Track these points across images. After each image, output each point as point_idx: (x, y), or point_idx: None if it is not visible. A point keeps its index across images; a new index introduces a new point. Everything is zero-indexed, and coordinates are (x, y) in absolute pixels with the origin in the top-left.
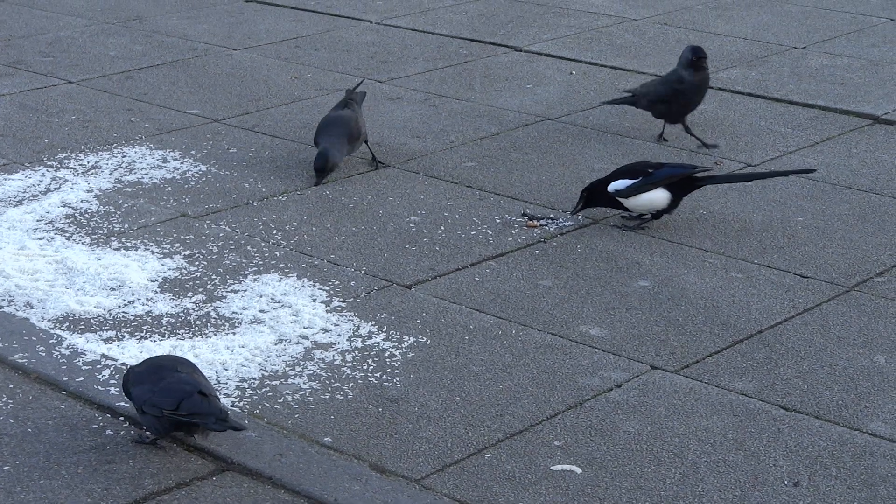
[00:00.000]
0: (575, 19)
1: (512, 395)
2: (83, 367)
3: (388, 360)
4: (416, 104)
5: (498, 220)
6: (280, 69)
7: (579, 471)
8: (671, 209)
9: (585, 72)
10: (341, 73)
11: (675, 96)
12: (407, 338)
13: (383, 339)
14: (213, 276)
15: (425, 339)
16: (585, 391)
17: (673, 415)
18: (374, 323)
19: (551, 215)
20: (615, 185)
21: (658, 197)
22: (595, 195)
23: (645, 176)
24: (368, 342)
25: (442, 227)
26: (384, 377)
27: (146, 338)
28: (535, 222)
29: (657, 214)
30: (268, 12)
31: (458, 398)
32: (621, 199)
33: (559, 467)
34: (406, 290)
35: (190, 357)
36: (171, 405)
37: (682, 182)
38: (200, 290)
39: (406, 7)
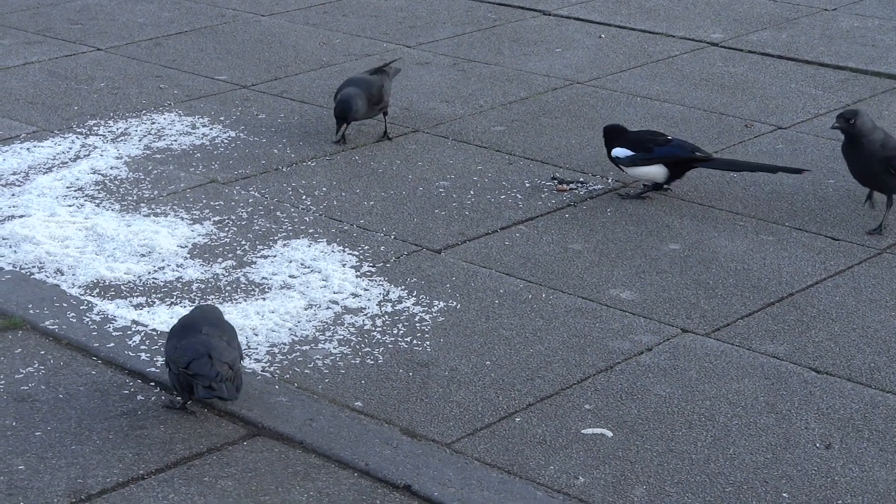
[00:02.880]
0: None
1: (542, 359)
2: (114, 334)
3: (417, 324)
4: (445, 69)
5: (527, 185)
6: (308, 35)
7: (610, 434)
8: (668, 183)
9: (614, 35)
10: (370, 39)
11: None
12: (437, 302)
13: (413, 304)
14: (243, 242)
15: (455, 303)
16: (616, 354)
17: (704, 378)
18: (403, 287)
19: (581, 179)
20: (617, 153)
21: (655, 172)
22: (605, 144)
23: (646, 151)
24: (398, 307)
25: (471, 192)
26: (414, 342)
27: (176, 304)
28: (565, 186)
29: (655, 186)
30: None
31: (488, 362)
32: (621, 167)
33: (590, 431)
34: (436, 255)
35: None
36: (183, 363)
37: (681, 161)
38: (230, 255)
39: None
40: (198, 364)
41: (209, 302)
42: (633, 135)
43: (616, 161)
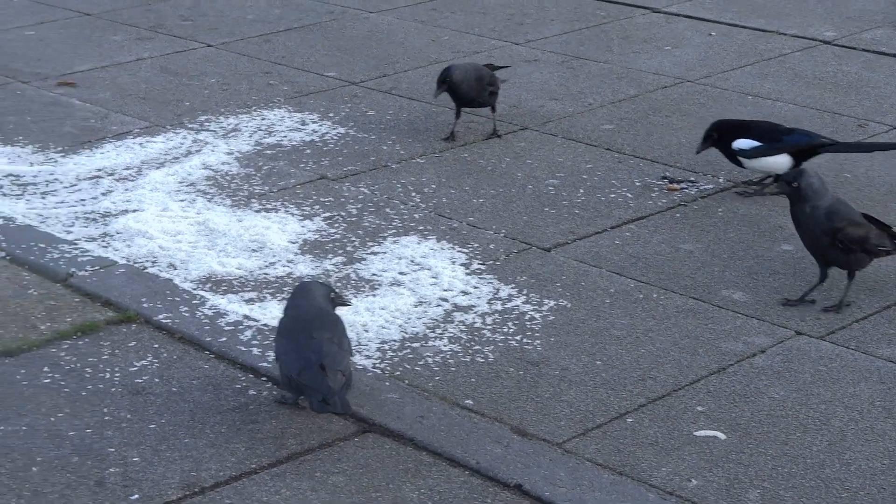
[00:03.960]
0: None
1: (654, 360)
2: (226, 328)
3: (528, 322)
4: (554, 66)
5: (638, 183)
6: (416, 32)
7: (723, 437)
8: None
9: (725, 33)
10: (478, 36)
11: None
12: (547, 301)
13: (523, 302)
14: (353, 238)
15: (565, 302)
16: (728, 356)
17: (818, 381)
18: (513, 286)
19: (692, 178)
20: (739, 144)
21: (780, 162)
22: (721, 138)
23: (773, 141)
24: (508, 305)
25: (581, 190)
26: (524, 340)
27: (287, 299)
28: (676, 185)
29: (775, 178)
30: None
31: (599, 362)
32: (742, 159)
33: (702, 433)
34: (545, 253)
35: None
36: (294, 371)
37: (805, 149)
38: (340, 251)
39: None
40: (309, 375)
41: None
42: (754, 125)
43: (738, 153)
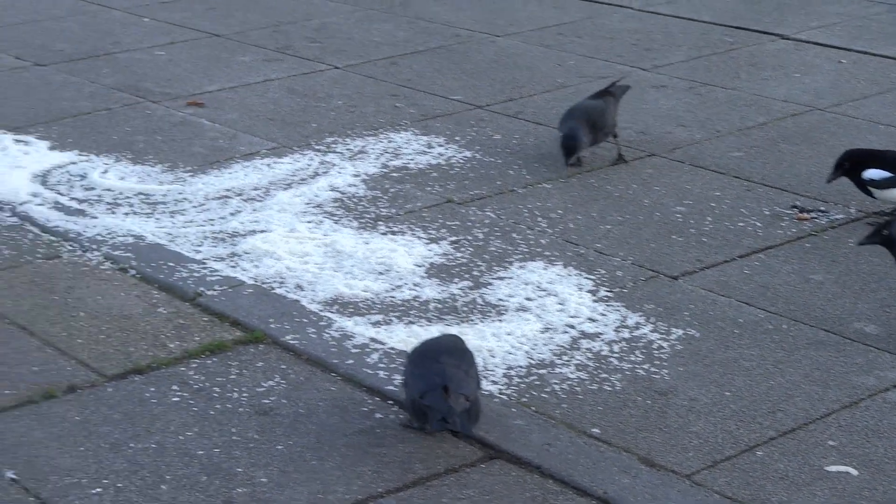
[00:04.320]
0: (844, 6)
1: (784, 392)
2: (352, 350)
3: (655, 351)
4: (681, 92)
5: (767, 212)
6: (543, 56)
7: (855, 472)
8: None
9: (855, 60)
10: (604, 61)
11: None
12: (675, 330)
13: (651, 331)
14: (479, 263)
15: (693, 331)
16: (860, 390)
17: None
18: (641, 314)
19: (822, 208)
20: (870, 174)
21: None
22: (852, 168)
23: None
24: (636, 333)
25: (709, 218)
26: (652, 369)
27: (413, 322)
28: (806, 215)
29: None
30: None
31: (727, 393)
32: (873, 189)
33: (834, 468)
34: (673, 281)
35: None
36: (417, 393)
37: None
38: (467, 276)
39: None
40: (432, 396)
41: (445, 320)
42: (889, 155)
43: (869, 183)
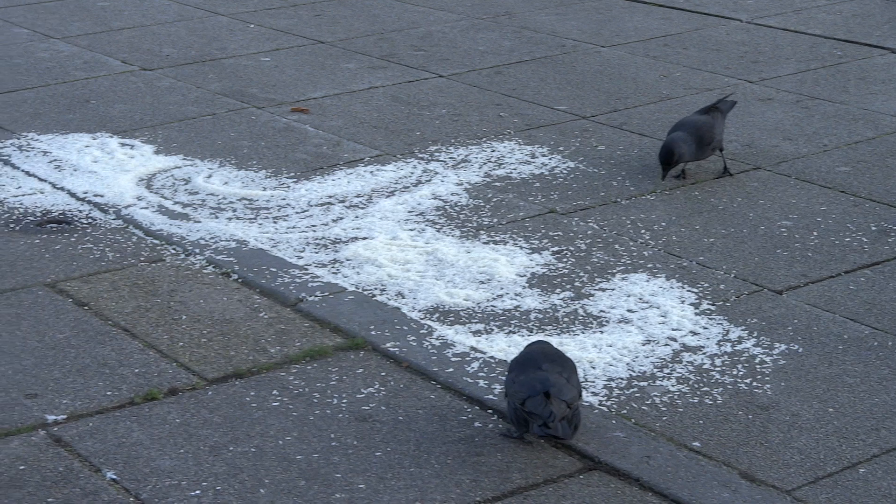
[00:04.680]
0: None
1: (888, 410)
2: (452, 359)
3: (758, 366)
4: (788, 105)
5: (874, 228)
6: (648, 67)
7: None
8: None
9: None
10: (710, 73)
11: None
12: (778, 344)
13: (753, 345)
14: (581, 274)
15: (797, 346)
16: None
17: None
18: (743, 328)
19: None
20: None
21: None
22: None
23: None
24: (738, 347)
25: (814, 233)
26: (754, 384)
27: (514, 332)
28: None
29: None
30: (637, 9)
31: (830, 409)
32: None
33: None
34: (777, 296)
35: None
36: (519, 400)
37: None
38: (568, 286)
39: (778, 6)
40: (533, 402)
41: (546, 330)
42: None
43: None
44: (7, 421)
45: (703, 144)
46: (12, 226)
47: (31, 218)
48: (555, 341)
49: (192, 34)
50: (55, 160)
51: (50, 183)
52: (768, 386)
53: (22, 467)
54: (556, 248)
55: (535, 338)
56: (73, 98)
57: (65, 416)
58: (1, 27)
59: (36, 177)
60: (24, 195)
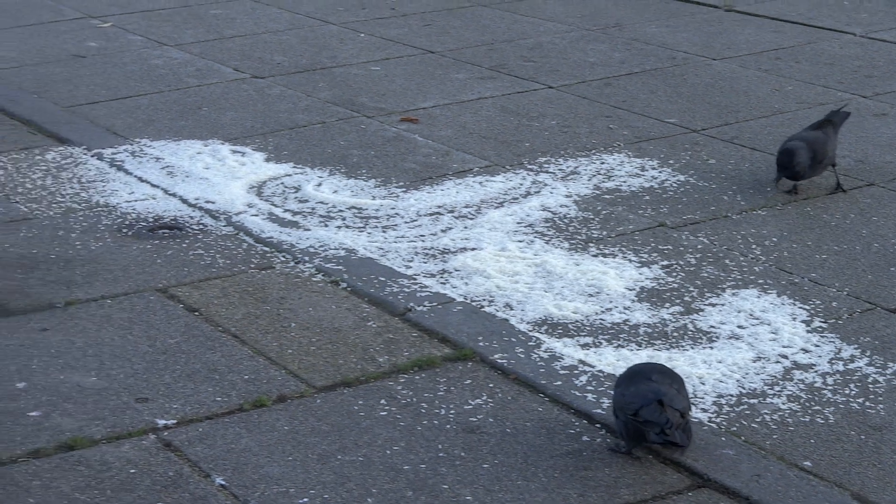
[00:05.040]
0: None
1: None
2: (560, 372)
3: (871, 385)
4: None
5: None
6: (760, 81)
7: None
8: None
9: None
10: (823, 87)
11: None
12: (891, 364)
13: (866, 364)
14: (691, 288)
15: None
16: None
17: None
18: (856, 346)
19: None
20: None
21: None
22: None
23: None
24: (850, 366)
25: None
26: (867, 403)
27: (623, 346)
28: None
29: None
30: (748, 23)
31: None
32: None
33: None
34: (891, 315)
35: None
36: (631, 410)
37: None
38: (678, 301)
39: (892, 20)
40: (648, 411)
41: (655, 345)
42: None
43: None
44: (118, 424)
45: (816, 161)
46: (125, 231)
47: (144, 223)
48: (664, 356)
49: (303, 43)
50: (167, 166)
51: (162, 189)
52: (881, 406)
53: (132, 471)
54: (665, 262)
55: (644, 352)
56: (186, 105)
57: (175, 421)
58: (116, 34)
59: (148, 182)
60: (136, 200)
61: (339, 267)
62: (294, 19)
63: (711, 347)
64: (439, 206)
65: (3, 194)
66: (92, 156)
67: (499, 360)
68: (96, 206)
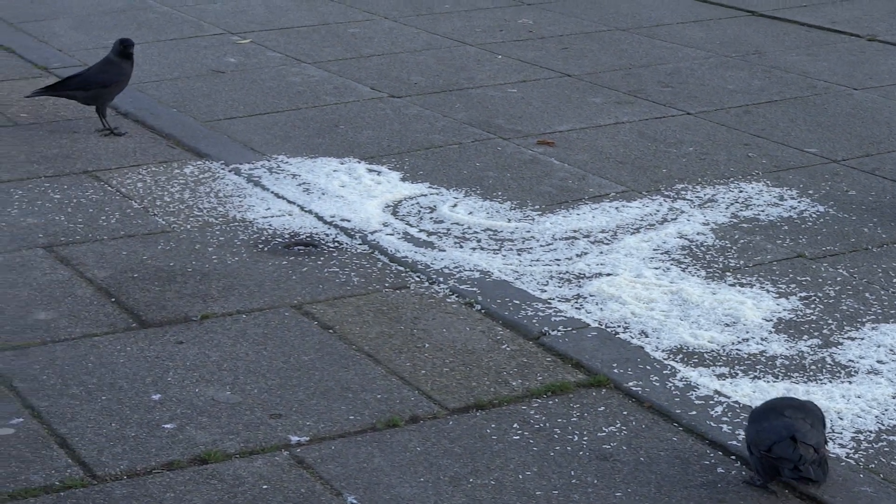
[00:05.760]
0: None
1: None
2: (696, 401)
3: None
4: None
5: None
6: None
7: None
8: None
9: None
10: None
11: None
12: None
13: None
14: (829, 321)
15: None
16: None
17: None
18: None
19: None
20: None
21: None
22: None
23: None
24: None
25: None
26: None
27: (759, 378)
28: None
29: None
30: (891, 52)
31: None
32: None
33: None
34: None
35: None
36: (765, 447)
37: None
38: (816, 333)
39: None
40: (780, 447)
41: (792, 378)
42: None
43: None
44: (252, 440)
45: None
46: (261, 246)
47: (280, 239)
48: (801, 389)
49: (440, 63)
50: (304, 183)
51: (298, 206)
52: None
53: (265, 486)
54: (804, 294)
55: (780, 384)
56: (323, 122)
57: (308, 438)
58: (255, 51)
59: (285, 199)
60: (273, 216)
61: (474, 289)
62: (432, 39)
63: (850, 382)
64: (575, 231)
65: (142, 207)
66: (230, 171)
67: (633, 388)
68: (233, 220)
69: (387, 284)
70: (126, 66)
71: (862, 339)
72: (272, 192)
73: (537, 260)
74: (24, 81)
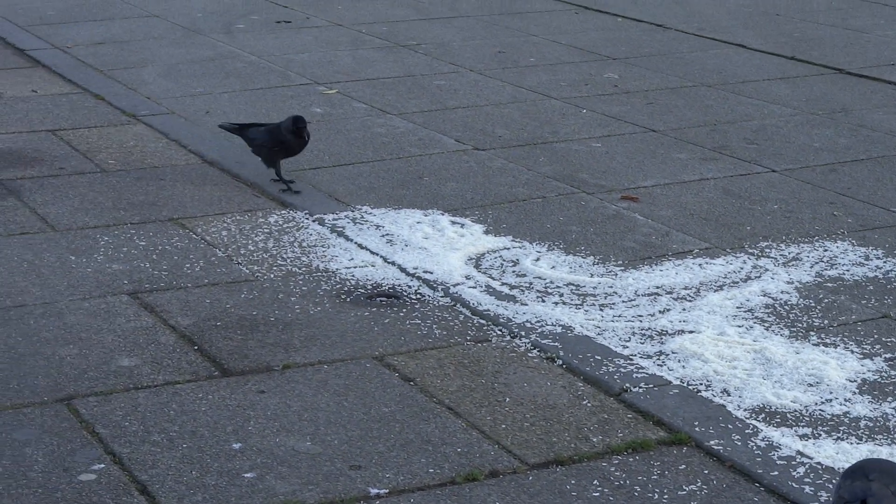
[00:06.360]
0: None
1: None
2: (778, 462)
3: None
4: None
5: None
6: None
7: None
8: None
9: None
10: None
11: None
12: None
13: None
14: None
15: None
16: None
17: None
18: None
19: None
20: None
21: None
22: None
23: None
24: None
25: None
26: None
27: (843, 439)
28: None
29: None
30: None
31: None
32: None
33: None
34: None
35: None
36: None
37: None
38: None
39: None
40: None
41: (876, 440)
42: None
43: None
44: (331, 491)
45: None
46: (343, 297)
47: (362, 290)
48: (885, 451)
49: (524, 116)
50: (387, 234)
51: (381, 257)
52: None
53: None
54: (889, 355)
55: (864, 446)
56: (407, 174)
57: (387, 490)
58: (341, 101)
59: (368, 250)
60: (355, 267)
61: (555, 343)
62: (517, 93)
63: None
64: (658, 287)
65: (226, 255)
66: (313, 221)
67: (714, 447)
68: (316, 270)
69: (468, 337)
70: (290, 139)
71: None
72: (355, 243)
73: (619, 315)
74: (112, 128)
